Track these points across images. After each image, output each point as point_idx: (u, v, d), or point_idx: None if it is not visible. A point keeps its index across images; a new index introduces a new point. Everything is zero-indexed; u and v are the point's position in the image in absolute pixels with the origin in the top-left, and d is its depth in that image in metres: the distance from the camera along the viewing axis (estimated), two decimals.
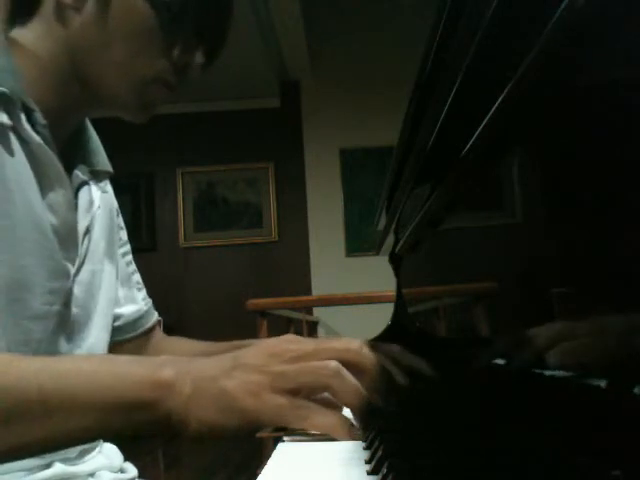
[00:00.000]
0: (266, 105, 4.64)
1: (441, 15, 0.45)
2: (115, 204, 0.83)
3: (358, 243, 4.46)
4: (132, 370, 0.49)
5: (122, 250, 0.85)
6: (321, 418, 0.49)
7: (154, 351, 0.88)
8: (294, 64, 4.43)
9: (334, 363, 0.49)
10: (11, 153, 0.60)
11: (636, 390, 0.26)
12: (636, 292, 0.25)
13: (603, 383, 0.29)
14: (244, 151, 4.60)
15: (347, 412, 0.52)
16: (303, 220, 4.58)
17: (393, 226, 0.95)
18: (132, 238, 0.87)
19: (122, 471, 0.79)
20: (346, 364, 0.50)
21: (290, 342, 0.51)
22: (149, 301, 0.89)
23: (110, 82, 0.67)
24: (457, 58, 0.41)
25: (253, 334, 2.60)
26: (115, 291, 0.80)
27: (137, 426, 0.48)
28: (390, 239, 1.00)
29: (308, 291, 4.46)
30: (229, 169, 4.61)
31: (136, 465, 0.82)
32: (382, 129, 4.07)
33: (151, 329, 0.88)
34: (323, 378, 0.49)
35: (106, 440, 0.50)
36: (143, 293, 0.89)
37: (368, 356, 0.52)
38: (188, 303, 4.50)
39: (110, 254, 0.78)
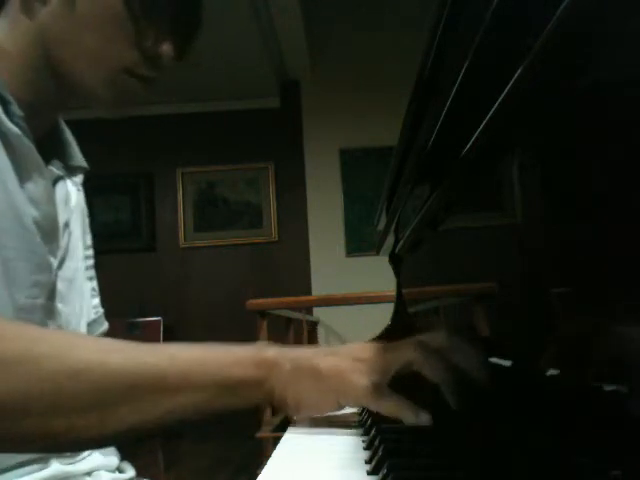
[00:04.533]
0: (266, 105, 4.64)
1: (441, 15, 0.45)
2: (85, 207, 0.82)
3: (358, 243, 4.46)
4: (237, 352, 0.53)
5: (85, 253, 0.83)
6: (393, 401, 0.52)
7: None
8: (294, 64, 4.43)
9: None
10: None
11: (636, 390, 0.26)
12: (636, 293, 0.25)
13: (603, 383, 0.29)
14: (244, 151, 4.60)
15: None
16: (303, 220, 4.58)
17: (393, 226, 0.95)
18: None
19: (120, 471, 0.79)
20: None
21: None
22: (100, 310, 0.85)
23: (82, 73, 0.66)
24: (457, 58, 0.41)
25: (253, 334, 2.60)
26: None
27: (243, 403, 0.52)
28: (390, 239, 1.00)
29: (308, 291, 4.46)
30: (229, 169, 4.61)
31: (136, 465, 0.82)
32: (382, 129, 4.07)
33: None
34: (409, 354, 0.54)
35: (211, 419, 0.53)
36: (95, 301, 0.84)
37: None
38: (188, 303, 4.50)
39: (83, 254, 0.77)
